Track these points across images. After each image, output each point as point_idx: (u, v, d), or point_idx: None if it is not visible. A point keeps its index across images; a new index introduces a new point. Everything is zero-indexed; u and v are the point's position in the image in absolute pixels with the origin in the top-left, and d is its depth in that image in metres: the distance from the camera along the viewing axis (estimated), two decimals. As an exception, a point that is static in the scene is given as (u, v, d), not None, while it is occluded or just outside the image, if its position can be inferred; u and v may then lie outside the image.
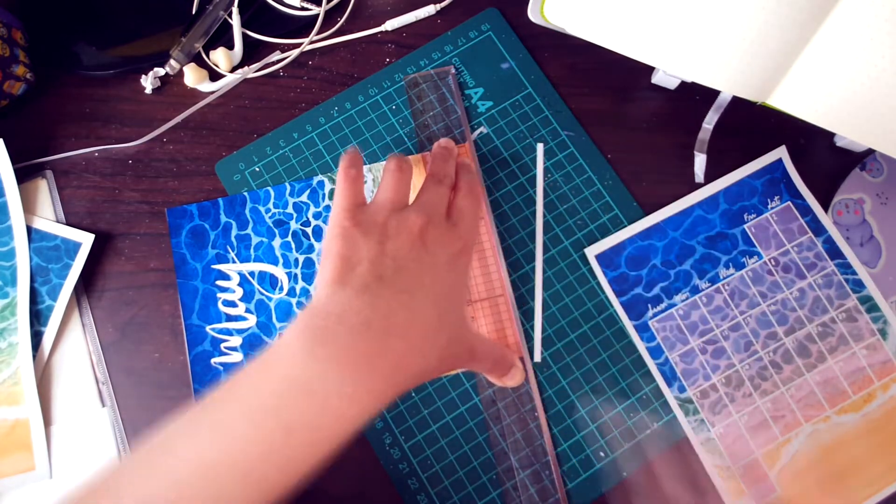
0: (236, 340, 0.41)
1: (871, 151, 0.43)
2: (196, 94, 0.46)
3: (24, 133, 0.44)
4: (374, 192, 0.43)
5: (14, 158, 0.43)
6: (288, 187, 0.43)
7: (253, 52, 0.47)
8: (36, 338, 0.41)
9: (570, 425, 0.39)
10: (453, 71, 0.45)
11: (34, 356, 0.40)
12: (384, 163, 0.43)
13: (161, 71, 0.45)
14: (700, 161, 0.43)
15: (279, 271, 0.42)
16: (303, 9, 0.47)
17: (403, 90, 0.45)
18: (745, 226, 0.42)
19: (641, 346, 0.40)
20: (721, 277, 0.41)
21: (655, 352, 0.40)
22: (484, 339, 0.36)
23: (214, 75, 0.46)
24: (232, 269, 0.42)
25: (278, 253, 0.42)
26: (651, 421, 0.39)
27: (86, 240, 0.42)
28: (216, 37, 0.46)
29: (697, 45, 0.36)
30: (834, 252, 0.41)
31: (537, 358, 0.40)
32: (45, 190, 0.43)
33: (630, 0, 0.36)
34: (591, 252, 0.41)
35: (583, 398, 0.39)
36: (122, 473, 0.27)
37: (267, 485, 0.26)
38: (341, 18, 0.47)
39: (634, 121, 0.44)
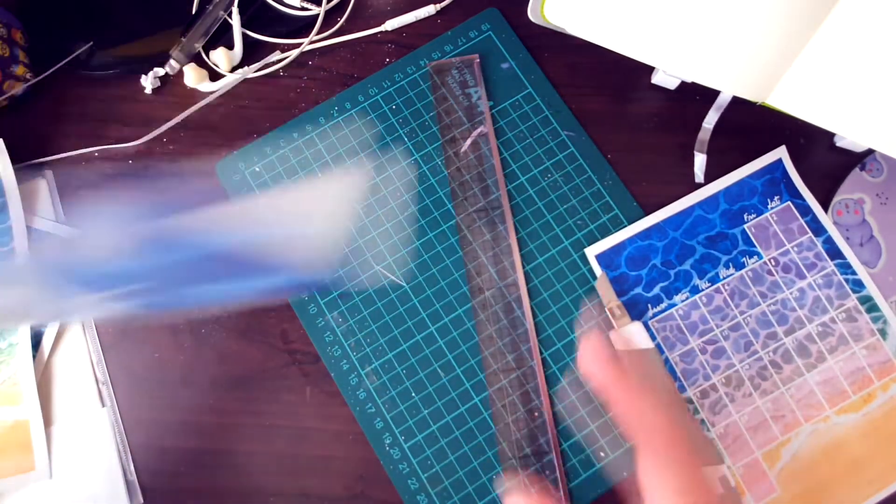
0: (236, 340, 0.41)
1: (871, 151, 0.43)
2: (196, 94, 0.46)
3: (24, 133, 0.44)
4: (374, 192, 0.43)
5: (14, 158, 0.43)
6: (288, 187, 0.43)
7: (253, 52, 0.47)
8: (36, 338, 0.41)
9: (570, 425, 0.39)
10: (478, 60, 0.45)
11: (34, 356, 0.40)
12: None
13: (161, 71, 0.45)
14: (700, 161, 0.43)
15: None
16: (303, 9, 0.47)
17: (404, 90, 0.45)
18: (745, 226, 0.42)
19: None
20: (721, 277, 0.41)
21: (655, 352, 0.40)
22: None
23: (214, 75, 0.46)
24: (232, 269, 0.42)
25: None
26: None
27: (86, 240, 0.42)
28: (216, 37, 0.46)
29: (698, 45, 0.36)
30: (834, 252, 0.41)
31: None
32: (45, 190, 0.43)
33: (630, 0, 0.36)
34: (591, 252, 0.41)
35: (583, 398, 0.39)
36: None
37: None
38: (341, 18, 0.47)
39: (634, 121, 0.44)
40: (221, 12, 0.46)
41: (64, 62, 0.45)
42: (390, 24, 0.46)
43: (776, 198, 0.42)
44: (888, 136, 0.35)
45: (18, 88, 0.44)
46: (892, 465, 0.38)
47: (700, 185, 0.43)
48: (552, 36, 0.44)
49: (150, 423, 0.40)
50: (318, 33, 0.46)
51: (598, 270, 0.41)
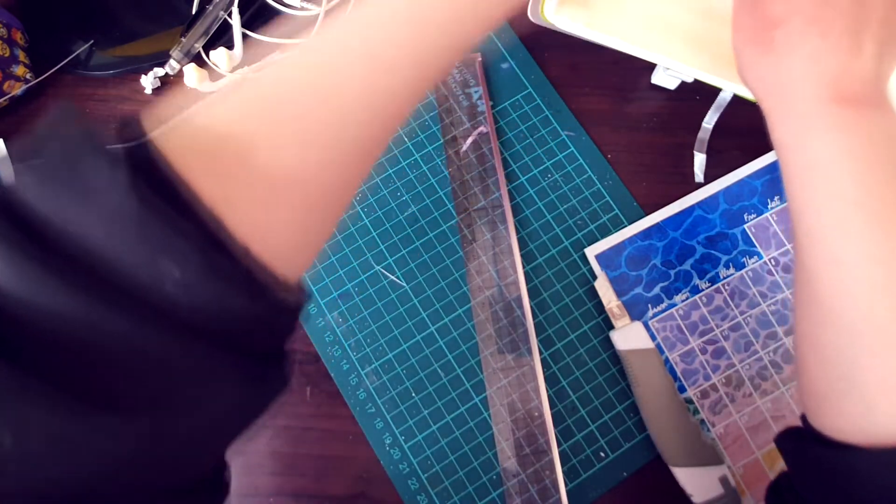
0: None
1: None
2: (196, 94, 0.46)
3: (23, 133, 0.44)
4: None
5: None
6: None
7: (253, 52, 0.47)
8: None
9: (570, 425, 0.39)
10: (479, 59, 0.45)
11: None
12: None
13: (161, 71, 0.45)
14: (700, 161, 0.43)
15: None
16: (303, 9, 0.47)
17: (403, 90, 0.45)
18: (746, 226, 0.42)
19: (641, 346, 0.40)
20: (721, 277, 0.41)
21: (655, 352, 0.40)
22: None
23: (214, 75, 0.46)
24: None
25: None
26: (651, 421, 0.39)
27: (86, 240, 0.42)
28: (216, 37, 0.46)
29: (699, 43, 0.36)
30: (834, 252, 0.41)
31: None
32: (45, 190, 0.43)
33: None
34: (591, 252, 0.41)
35: (583, 398, 0.39)
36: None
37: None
38: (341, 18, 0.47)
39: (634, 121, 0.44)
40: (221, 12, 0.46)
41: (64, 62, 0.45)
42: (390, 24, 0.46)
43: (776, 198, 0.42)
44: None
45: (18, 88, 0.44)
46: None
47: (700, 185, 0.43)
48: (552, 36, 0.44)
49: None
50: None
51: (598, 270, 0.41)
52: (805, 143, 0.26)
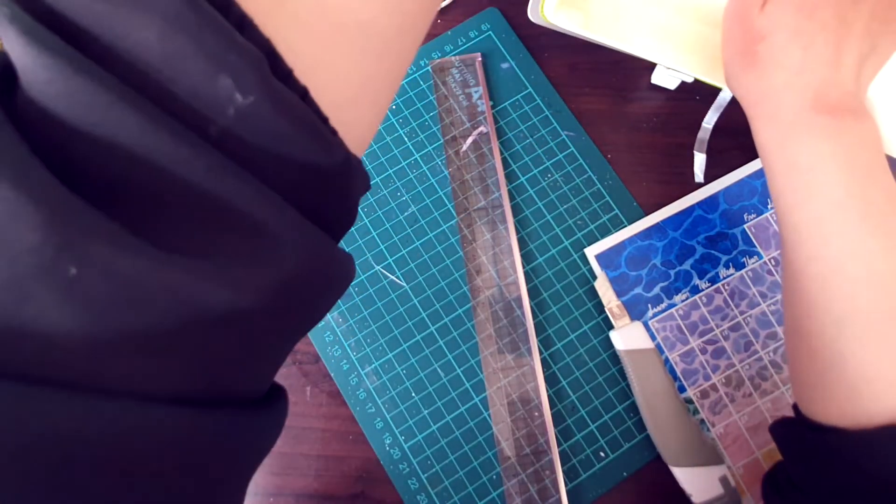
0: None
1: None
2: None
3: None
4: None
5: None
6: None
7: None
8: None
9: (570, 425, 0.39)
10: (480, 58, 0.45)
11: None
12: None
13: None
14: (700, 161, 0.43)
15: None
16: None
17: (404, 90, 0.45)
18: (746, 226, 0.42)
19: (641, 346, 0.40)
20: (721, 277, 0.41)
21: (655, 352, 0.40)
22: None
23: None
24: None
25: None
26: (651, 421, 0.39)
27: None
28: None
29: (699, 42, 0.36)
30: (834, 252, 0.41)
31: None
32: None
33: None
34: (591, 252, 0.41)
35: (583, 398, 0.39)
36: None
37: None
38: (341, 18, 0.47)
39: (634, 121, 0.44)
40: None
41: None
42: (390, 24, 0.46)
43: (776, 198, 0.42)
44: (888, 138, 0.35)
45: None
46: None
47: (700, 185, 0.43)
48: (552, 36, 0.44)
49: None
50: (318, 33, 0.46)
51: (598, 270, 0.41)
52: (788, 148, 0.27)
